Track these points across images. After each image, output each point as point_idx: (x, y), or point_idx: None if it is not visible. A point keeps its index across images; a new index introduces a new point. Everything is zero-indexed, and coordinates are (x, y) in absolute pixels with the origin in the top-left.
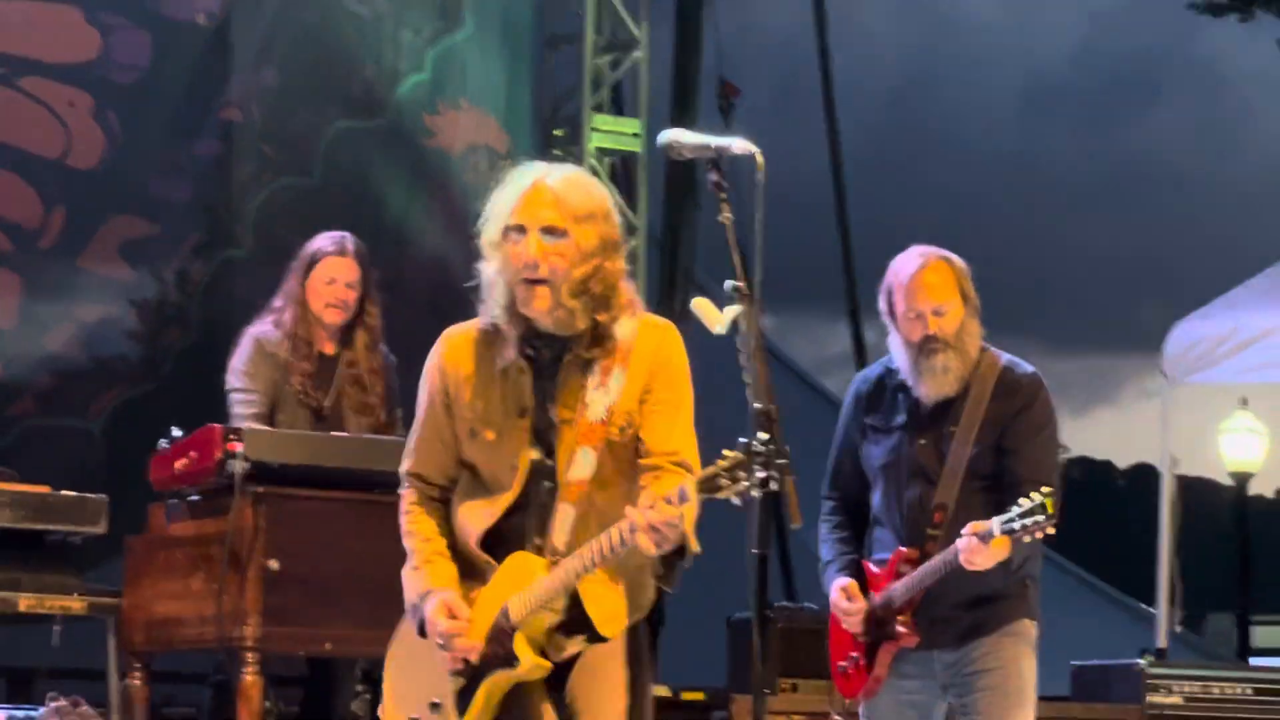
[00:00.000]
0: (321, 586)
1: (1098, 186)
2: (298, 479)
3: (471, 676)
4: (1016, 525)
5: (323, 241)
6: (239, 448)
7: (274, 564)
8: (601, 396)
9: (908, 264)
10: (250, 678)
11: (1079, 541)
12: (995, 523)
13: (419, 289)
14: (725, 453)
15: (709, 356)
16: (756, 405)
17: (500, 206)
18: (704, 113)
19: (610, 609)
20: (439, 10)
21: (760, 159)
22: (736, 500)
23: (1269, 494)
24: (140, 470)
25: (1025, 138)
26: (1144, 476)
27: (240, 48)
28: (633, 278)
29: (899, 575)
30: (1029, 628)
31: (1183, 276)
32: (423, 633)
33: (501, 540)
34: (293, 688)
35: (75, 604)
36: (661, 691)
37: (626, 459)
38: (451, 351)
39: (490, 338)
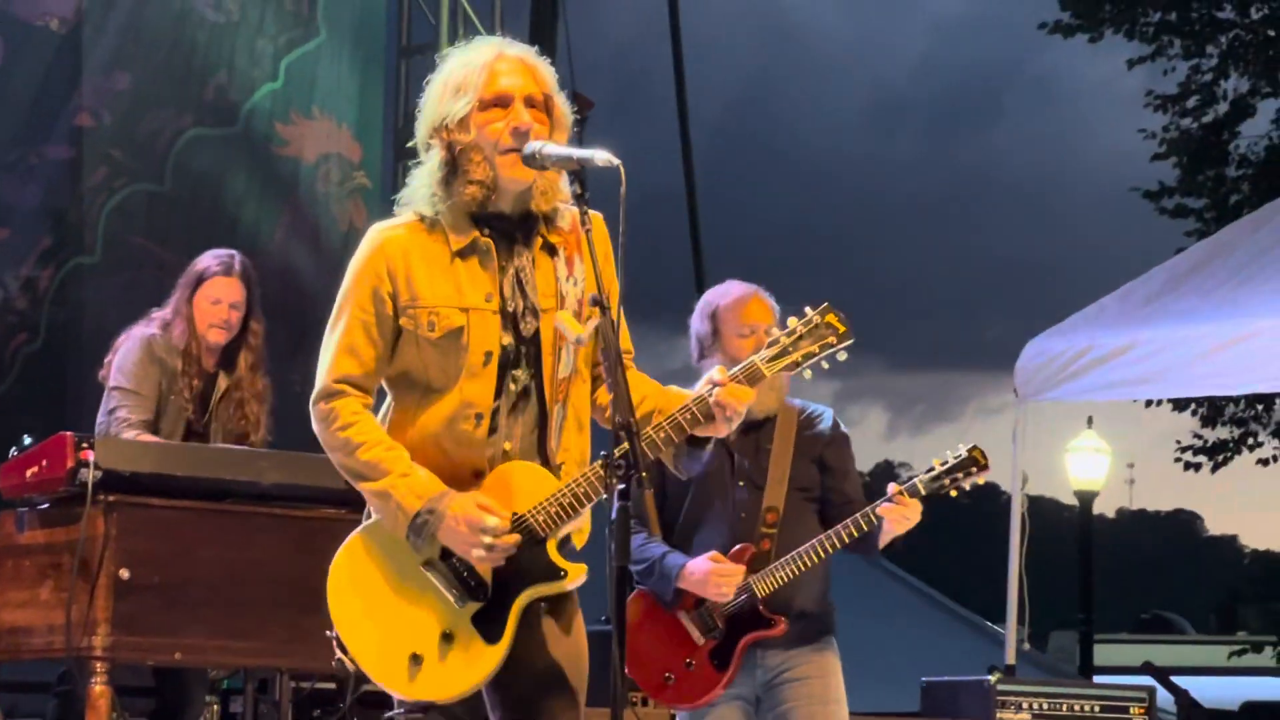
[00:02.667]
0: (172, 596)
1: (942, 200)
2: (150, 488)
3: (487, 597)
4: (945, 480)
5: (210, 260)
6: (90, 456)
7: (125, 573)
8: (573, 289)
9: (733, 288)
10: (99, 687)
11: (921, 558)
12: (918, 481)
13: (268, 297)
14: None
15: None
16: (617, 418)
17: (467, 81)
18: None
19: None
20: (293, 19)
21: (623, 171)
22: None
23: (1110, 514)
24: None
25: (870, 150)
26: (986, 494)
27: (92, 52)
28: None
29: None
30: (835, 645)
31: (1028, 294)
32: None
33: (478, 446)
34: (141, 698)
35: None
36: None
37: (582, 358)
38: (391, 242)
39: (429, 227)
